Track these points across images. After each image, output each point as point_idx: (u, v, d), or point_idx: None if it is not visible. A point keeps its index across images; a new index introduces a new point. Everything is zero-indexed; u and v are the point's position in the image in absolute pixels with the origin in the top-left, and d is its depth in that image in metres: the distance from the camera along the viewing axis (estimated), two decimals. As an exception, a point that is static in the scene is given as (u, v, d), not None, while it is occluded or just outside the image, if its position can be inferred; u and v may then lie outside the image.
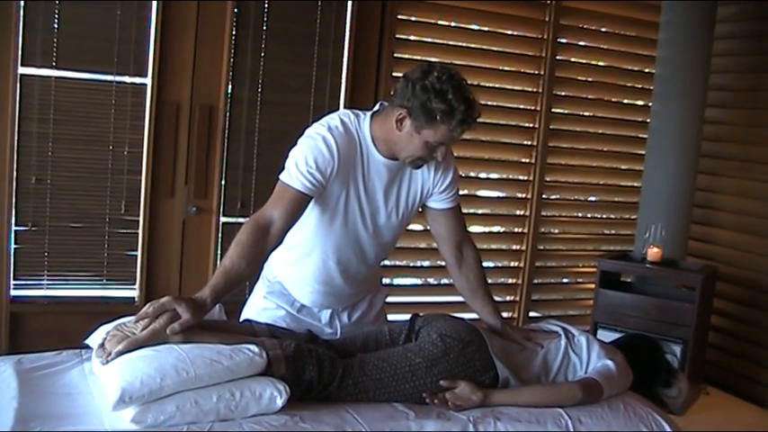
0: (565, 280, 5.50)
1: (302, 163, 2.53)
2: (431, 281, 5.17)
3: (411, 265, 4.98)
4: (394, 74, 4.61)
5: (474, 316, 2.86)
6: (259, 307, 2.84)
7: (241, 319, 2.85)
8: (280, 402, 2.22)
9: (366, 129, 2.61)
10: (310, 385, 2.33)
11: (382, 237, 2.75)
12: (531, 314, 5.29)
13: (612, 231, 5.67)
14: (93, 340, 2.46)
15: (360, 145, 2.61)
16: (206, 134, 4.18)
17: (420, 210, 2.81)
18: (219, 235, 4.29)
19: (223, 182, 4.26)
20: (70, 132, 3.94)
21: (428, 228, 2.90)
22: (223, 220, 4.29)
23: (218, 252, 4.27)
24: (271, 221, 2.49)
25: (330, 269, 2.76)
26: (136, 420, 2.05)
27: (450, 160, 2.73)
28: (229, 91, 4.21)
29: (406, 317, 2.71)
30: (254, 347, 2.30)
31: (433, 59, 4.62)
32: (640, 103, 5.43)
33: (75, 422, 2.10)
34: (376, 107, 2.68)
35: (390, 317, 3.13)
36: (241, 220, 4.29)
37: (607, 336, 4.28)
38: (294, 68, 4.34)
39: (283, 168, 2.59)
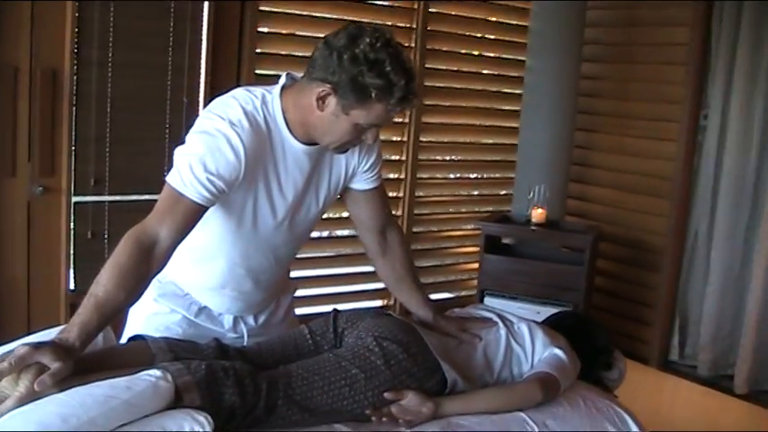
0: (443, 245, 5.24)
1: (199, 168, 2.03)
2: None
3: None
4: (259, 29, 4.17)
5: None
6: (148, 312, 2.37)
7: (126, 329, 2.40)
8: (204, 438, 1.80)
9: (278, 113, 2.15)
10: (232, 411, 1.92)
11: (299, 233, 2.37)
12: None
13: (483, 192, 5.45)
14: None
15: (270, 137, 2.15)
16: (50, 102, 3.59)
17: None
18: (71, 217, 3.73)
19: (73, 156, 3.69)
20: None
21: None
22: (75, 199, 3.72)
23: (71, 237, 3.73)
24: (156, 240, 2.00)
25: (239, 276, 2.35)
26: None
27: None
28: (75, 51, 3.62)
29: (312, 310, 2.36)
30: (154, 371, 1.86)
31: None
32: (514, 57, 5.17)
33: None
34: (282, 79, 2.20)
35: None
36: (95, 198, 3.77)
37: (495, 304, 4.15)
38: (149, 24, 3.81)
39: (162, 159, 2.12)
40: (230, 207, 2.19)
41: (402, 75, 2.01)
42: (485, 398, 2.21)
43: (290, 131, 2.16)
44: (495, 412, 2.17)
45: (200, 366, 1.94)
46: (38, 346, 1.81)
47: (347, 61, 1.99)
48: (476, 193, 5.42)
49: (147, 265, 1.99)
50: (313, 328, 2.30)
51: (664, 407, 4.40)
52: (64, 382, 1.79)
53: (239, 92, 2.20)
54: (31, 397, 1.75)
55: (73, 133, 3.67)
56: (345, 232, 4.69)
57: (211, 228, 2.22)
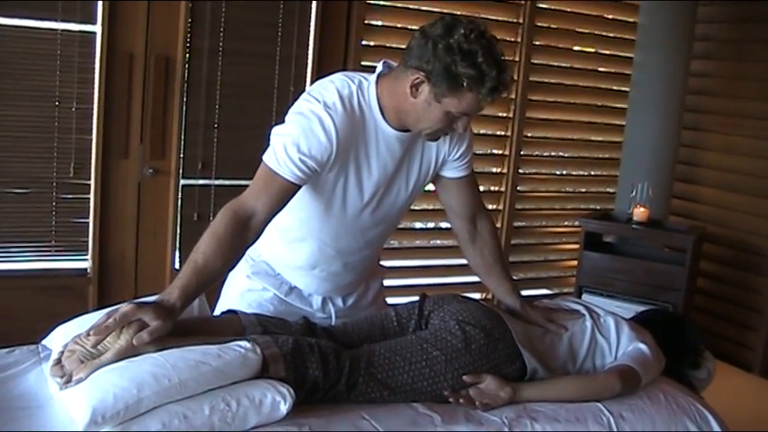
0: (543, 241, 5.22)
1: (292, 148, 2.12)
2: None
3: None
4: (366, 21, 4.24)
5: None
6: (242, 288, 2.48)
7: (220, 303, 2.51)
8: (284, 409, 1.87)
9: (372, 99, 2.21)
10: (315, 385, 2.00)
11: (388, 217, 2.41)
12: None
13: (589, 189, 5.40)
14: (52, 342, 2.11)
15: (364, 121, 2.21)
16: (162, 88, 3.75)
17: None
18: (179, 199, 3.89)
19: (182, 140, 3.84)
20: (9, 87, 3.48)
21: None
22: (183, 182, 3.88)
23: (178, 218, 3.89)
24: (252, 213, 2.11)
25: (329, 256, 2.41)
26: (113, 445, 1.68)
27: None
28: (188, 40, 3.77)
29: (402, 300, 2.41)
30: (244, 343, 1.96)
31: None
32: (622, 54, 5.11)
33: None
34: (379, 67, 2.26)
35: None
36: (202, 182, 3.92)
37: (593, 301, 4.11)
38: (258, 16, 3.93)
39: (267, 145, 2.19)
40: (320, 188, 2.26)
41: (494, 66, 2.05)
42: (562, 385, 2.22)
43: (384, 117, 2.22)
44: (571, 400, 2.17)
45: (287, 340, 2.03)
46: (141, 305, 1.94)
47: (441, 50, 2.04)
48: (583, 190, 5.38)
49: (243, 236, 2.11)
50: (399, 311, 2.35)
51: (765, 414, 4.28)
52: (161, 341, 1.91)
53: (338, 77, 2.27)
54: (129, 351, 1.88)
55: (183, 118, 3.83)
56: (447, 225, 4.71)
57: (301, 209, 2.30)
